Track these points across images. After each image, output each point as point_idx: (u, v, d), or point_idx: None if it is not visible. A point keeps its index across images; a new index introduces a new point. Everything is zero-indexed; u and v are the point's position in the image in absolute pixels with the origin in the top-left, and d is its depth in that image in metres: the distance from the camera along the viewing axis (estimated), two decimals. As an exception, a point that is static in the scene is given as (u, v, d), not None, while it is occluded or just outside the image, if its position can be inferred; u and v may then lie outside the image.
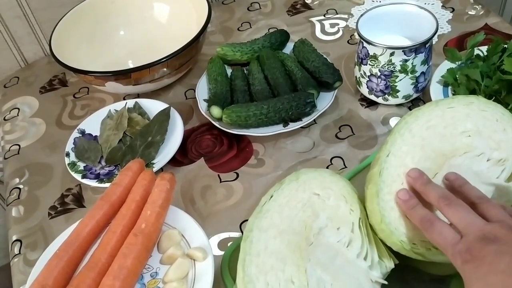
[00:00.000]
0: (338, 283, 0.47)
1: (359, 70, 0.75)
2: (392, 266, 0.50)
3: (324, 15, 0.99)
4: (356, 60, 0.76)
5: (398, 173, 0.51)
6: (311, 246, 0.48)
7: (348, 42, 0.91)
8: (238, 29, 1.00)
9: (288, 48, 0.87)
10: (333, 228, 0.50)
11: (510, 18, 1.47)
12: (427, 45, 0.70)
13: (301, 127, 0.74)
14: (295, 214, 0.49)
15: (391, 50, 0.69)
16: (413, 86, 0.73)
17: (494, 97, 0.67)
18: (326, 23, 0.97)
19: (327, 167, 0.70)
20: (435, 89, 0.73)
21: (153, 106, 0.80)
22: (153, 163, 0.72)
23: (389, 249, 0.50)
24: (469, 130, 0.52)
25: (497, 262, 0.40)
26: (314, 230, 0.49)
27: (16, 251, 0.67)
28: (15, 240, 0.69)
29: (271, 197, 0.50)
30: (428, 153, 0.51)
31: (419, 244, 0.48)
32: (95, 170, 0.73)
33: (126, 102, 0.81)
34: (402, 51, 0.68)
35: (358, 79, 0.77)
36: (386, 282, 0.49)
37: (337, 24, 0.96)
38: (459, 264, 0.42)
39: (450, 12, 0.93)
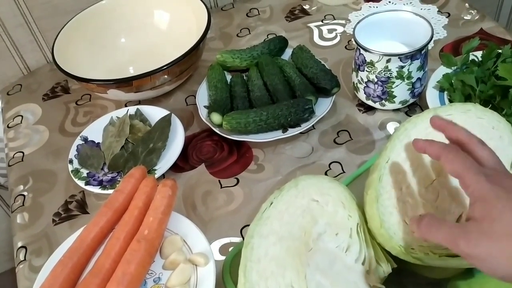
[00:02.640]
0: (337, 287, 0.48)
1: (357, 76, 0.76)
2: (390, 270, 0.51)
3: (322, 21, 1.00)
4: (353, 66, 0.77)
5: (397, 179, 0.52)
6: (310, 252, 0.49)
7: (345, 47, 0.92)
8: (237, 35, 1.01)
9: (287, 54, 0.88)
10: (332, 233, 0.51)
11: (506, 22, 1.48)
12: (422, 52, 0.71)
13: (300, 132, 0.76)
14: (295, 220, 0.51)
15: (388, 57, 0.70)
16: (410, 91, 0.74)
17: (488, 103, 0.68)
18: (324, 29, 0.98)
19: (326, 172, 0.72)
20: (431, 94, 0.75)
21: (154, 113, 0.81)
22: (155, 170, 0.73)
23: (387, 253, 0.52)
24: None
25: None
26: (313, 235, 0.50)
27: (21, 257, 0.68)
28: (20, 247, 0.70)
29: (271, 204, 0.51)
30: (427, 159, 0.53)
31: (417, 249, 0.49)
32: (98, 177, 0.74)
33: (128, 109, 0.82)
34: (399, 57, 0.70)
35: (355, 85, 0.78)
36: (383, 287, 0.50)
37: (335, 30, 0.97)
38: (482, 181, 0.40)
39: (446, 17, 0.94)
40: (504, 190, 0.40)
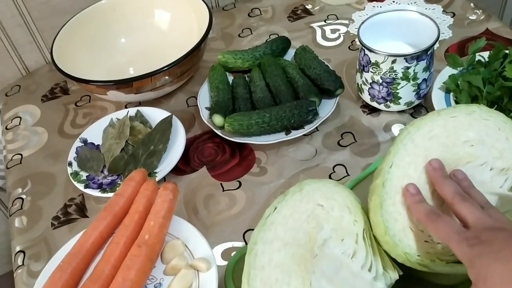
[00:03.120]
0: (343, 294, 0.47)
1: (361, 77, 0.75)
2: (397, 277, 0.50)
3: (325, 21, 0.99)
4: (357, 67, 0.76)
5: (401, 184, 0.50)
6: (316, 258, 0.48)
7: (349, 48, 0.91)
8: (239, 35, 1.00)
9: (290, 55, 0.87)
10: (338, 239, 0.50)
11: (510, 22, 1.47)
12: (428, 52, 0.70)
13: (303, 134, 0.74)
14: (299, 226, 0.49)
15: (393, 58, 0.69)
16: (415, 93, 0.73)
17: (495, 105, 0.67)
18: (327, 29, 0.97)
19: (330, 175, 0.70)
20: (437, 96, 0.73)
21: (155, 114, 0.80)
22: (156, 172, 0.72)
23: (394, 260, 0.50)
24: (472, 140, 0.52)
25: (509, 243, 0.40)
26: (318, 241, 0.49)
27: (19, 262, 0.67)
28: (18, 251, 0.69)
29: (275, 209, 0.50)
30: None
31: (423, 256, 0.48)
32: (98, 180, 0.73)
33: (128, 111, 0.81)
34: (404, 58, 0.68)
35: (359, 86, 0.77)
36: (390, 293, 0.49)
37: (338, 30, 0.96)
38: (464, 248, 0.42)
39: (451, 17, 0.93)
40: (484, 245, 0.41)
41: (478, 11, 0.93)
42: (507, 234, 0.41)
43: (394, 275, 0.49)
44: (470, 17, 0.93)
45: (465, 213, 0.45)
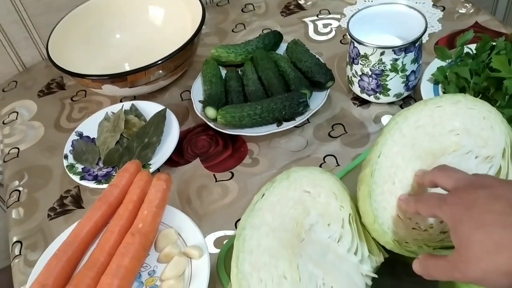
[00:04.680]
0: (330, 277, 0.48)
1: (351, 69, 0.76)
2: (382, 260, 0.51)
3: (317, 16, 1.00)
4: (347, 60, 0.77)
5: (389, 173, 0.51)
6: (303, 243, 0.49)
7: (340, 42, 0.93)
8: (232, 30, 1.01)
9: (282, 49, 0.88)
10: (324, 224, 0.51)
11: (503, 17, 1.48)
12: (416, 44, 0.71)
13: (295, 126, 0.76)
14: (287, 211, 0.51)
15: (381, 50, 0.70)
16: (404, 84, 0.74)
17: (480, 94, 0.68)
18: (319, 24, 0.98)
19: (320, 165, 0.72)
20: (426, 87, 0.75)
21: (149, 108, 0.81)
22: (150, 164, 0.73)
23: (381, 246, 0.52)
24: (457, 129, 0.53)
25: (491, 203, 0.39)
26: (305, 226, 0.50)
27: (16, 252, 0.69)
28: (15, 242, 0.70)
29: (263, 195, 0.51)
30: (418, 152, 0.52)
31: (411, 243, 0.50)
32: (93, 172, 0.74)
33: (123, 105, 0.82)
34: (392, 50, 0.70)
35: (350, 79, 0.78)
36: (376, 276, 0.50)
37: (330, 24, 0.97)
38: (447, 211, 0.41)
39: (441, 11, 0.94)
40: (464, 208, 0.40)
41: (467, 5, 0.95)
42: (486, 194, 0.40)
43: (379, 258, 0.51)
44: (460, 11, 0.94)
45: (445, 178, 0.45)
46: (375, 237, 0.51)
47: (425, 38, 0.88)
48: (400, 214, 0.50)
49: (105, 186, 0.71)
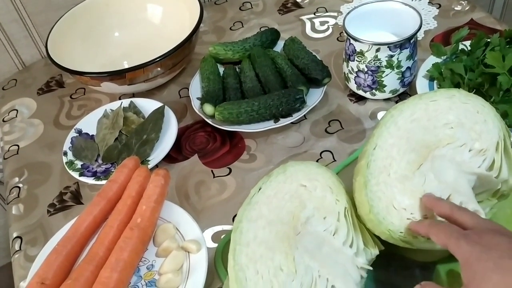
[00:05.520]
0: (325, 269, 0.49)
1: (347, 66, 0.77)
2: (377, 252, 0.52)
3: (314, 13, 1.01)
4: (344, 57, 0.78)
5: (384, 164, 0.52)
6: (299, 235, 0.50)
7: (337, 39, 0.93)
8: (230, 28, 1.02)
9: (279, 46, 0.89)
10: (320, 217, 0.52)
11: (500, 13, 1.49)
12: (411, 41, 0.72)
13: (292, 122, 0.76)
14: (283, 205, 0.51)
15: (377, 46, 0.71)
16: (400, 81, 0.75)
17: (475, 90, 0.69)
18: (316, 21, 0.99)
19: (317, 161, 0.72)
20: (421, 84, 0.75)
21: (148, 105, 0.82)
22: (148, 160, 0.74)
23: (376, 236, 0.52)
24: (452, 122, 0.54)
25: (510, 252, 0.39)
26: (301, 219, 0.51)
27: (16, 247, 0.69)
28: (15, 237, 0.71)
29: (260, 189, 0.52)
30: (413, 145, 0.53)
31: (406, 233, 0.50)
32: (92, 168, 0.75)
33: (122, 102, 0.83)
34: (388, 47, 0.71)
35: (346, 75, 0.79)
36: (371, 268, 0.51)
37: (327, 22, 0.98)
38: (463, 244, 0.42)
39: (437, 8, 0.95)
40: (484, 248, 0.41)
41: (463, 2, 0.95)
42: (508, 241, 0.41)
43: (374, 251, 0.52)
44: (456, 8, 0.95)
45: (465, 219, 0.46)
46: (371, 227, 0.52)
47: (420, 35, 0.89)
48: (395, 204, 0.51)
49: (104, 182, 0.71)
